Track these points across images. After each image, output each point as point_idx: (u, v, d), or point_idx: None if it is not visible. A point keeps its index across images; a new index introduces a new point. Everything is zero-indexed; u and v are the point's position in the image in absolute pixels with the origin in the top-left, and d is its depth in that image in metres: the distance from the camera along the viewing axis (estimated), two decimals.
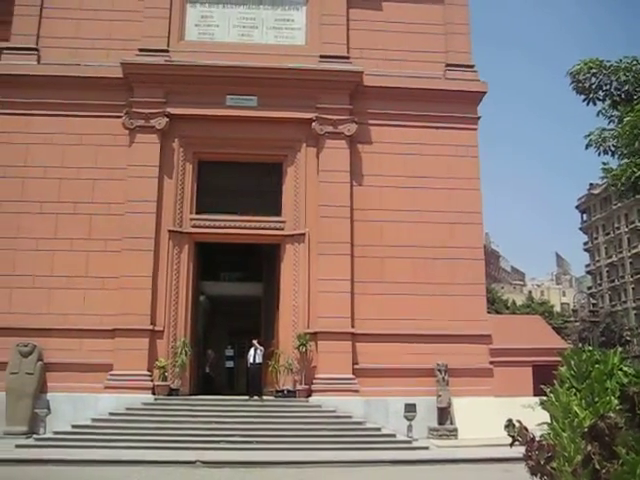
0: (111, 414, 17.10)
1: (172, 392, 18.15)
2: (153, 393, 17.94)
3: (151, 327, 18.41)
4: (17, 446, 15.67)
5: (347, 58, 20.50)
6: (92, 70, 19.92)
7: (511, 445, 5.75)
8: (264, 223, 19.78)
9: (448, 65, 20.98)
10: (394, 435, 16.93)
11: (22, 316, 18.35)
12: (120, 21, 20.64)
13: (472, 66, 21.22)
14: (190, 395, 18.72)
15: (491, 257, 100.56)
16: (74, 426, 16.68)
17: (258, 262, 21.72)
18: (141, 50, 20.03)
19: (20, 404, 17.56)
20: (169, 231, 19.16)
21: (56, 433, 16.49)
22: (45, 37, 20.50)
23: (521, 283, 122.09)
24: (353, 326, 18.67)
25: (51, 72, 19.81)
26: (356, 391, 18.06)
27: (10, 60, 20.11)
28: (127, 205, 18.93)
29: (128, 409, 17.23)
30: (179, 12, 20.72)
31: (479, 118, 20.95)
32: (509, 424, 5.73)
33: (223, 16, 21.02)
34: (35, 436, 16.86)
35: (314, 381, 18.33)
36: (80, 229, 18.96)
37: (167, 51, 20.12)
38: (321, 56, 20.33)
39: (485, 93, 20.87)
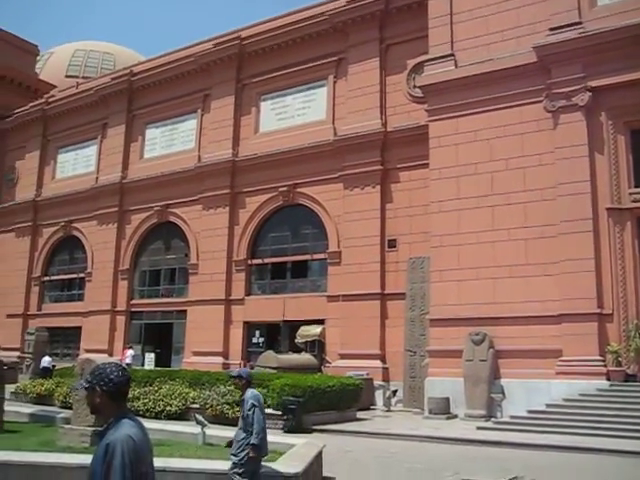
0: (565, 400, 17.75)
1: (628, 378, 17.99)
2: (607, 379, 18.05)
3: (598, 311, 18.56)
4: (478, 428, 17.47)
5: None
6: (506, 62, 21.11)
7: None
8: None
9: None
10: None
11: (471, 307, 20.41)
12: (526, 6, 21.43)
13: None
14: None
15: None
16: (529, 411, 17.82)
17: None
18: (552, 29, 20.49)
19: (476, 389, 19.56)
20: (607, 209, 19.09)
21: (512, 417, 17.91)
22: (458, 41, 22.58)
23: None
24: None
25: (468, 73, 21.77)
26: None
27: (431, 71, 22.85)
28: (559, 188, 19.52)
29: (582, 395, 17.68)
30: None
31: None
32: None
33: None
34: (493, 419, 18.65)
35: None
36: (515, 218, 20.20)
37: (579, 23, 20.19)
38: None
39: None
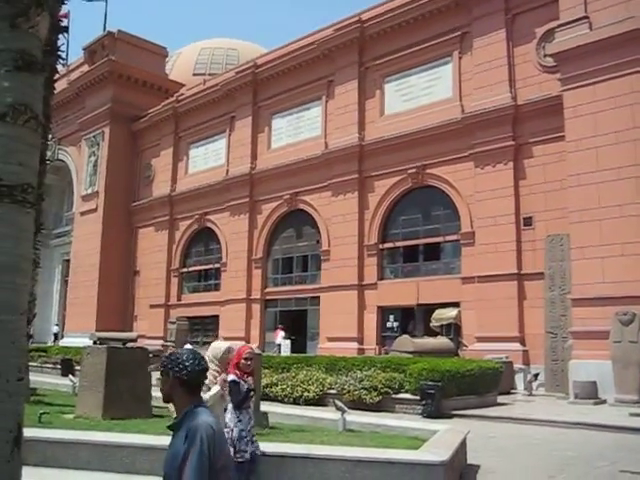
0: None
1: None
2: None
3: None
4: (631, 414, 16.36)
5: None
6: None
7: None
8: None
9: None
10: None
11: (616, 285, 19.26)
12: None
13: None
14: None
15: None
16: None
17: None
18: None
19: (627, 372, 18.36)
20: None
21: None
22: (591, 1, 21.19)
23: None
24: None
25: (605, 34, 20.37)
26: None
27: (563, 36, 21.65)
28: None
29: None
30: None
31: None
32: None
33: None
34: None
35: None
36: None
37: None
38: None
39: None
